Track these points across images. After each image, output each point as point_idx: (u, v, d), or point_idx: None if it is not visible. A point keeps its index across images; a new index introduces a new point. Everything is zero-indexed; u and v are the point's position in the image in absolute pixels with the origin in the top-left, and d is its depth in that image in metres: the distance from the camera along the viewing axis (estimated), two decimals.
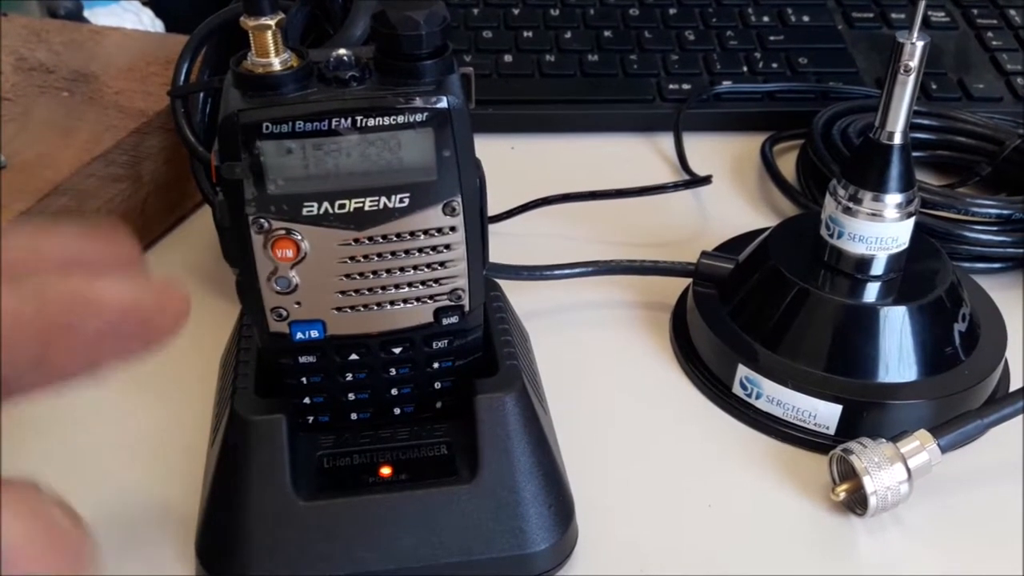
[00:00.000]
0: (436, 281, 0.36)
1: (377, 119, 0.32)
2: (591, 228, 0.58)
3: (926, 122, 0.61)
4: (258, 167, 0.32)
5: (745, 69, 0.69)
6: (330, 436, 0.39)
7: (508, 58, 0.69)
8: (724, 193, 0.61)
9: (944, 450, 0.40)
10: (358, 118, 0.31)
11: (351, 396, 0.39)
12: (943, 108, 0.63)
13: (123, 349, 0.23)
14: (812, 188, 0.59)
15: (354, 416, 0.39)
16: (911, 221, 0.44)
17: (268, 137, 0.31)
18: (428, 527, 0.36)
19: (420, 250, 0.35)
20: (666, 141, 0.66)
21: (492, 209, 0.57)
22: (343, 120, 0.31)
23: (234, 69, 0.32)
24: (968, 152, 0.61)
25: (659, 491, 0.42)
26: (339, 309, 0.36)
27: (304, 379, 0.38)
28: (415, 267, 0.35)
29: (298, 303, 0.35)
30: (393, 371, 0.38)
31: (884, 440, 0.41)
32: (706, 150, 0.65)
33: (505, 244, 0.56)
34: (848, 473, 0.41)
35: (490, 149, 0.64)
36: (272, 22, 0.31)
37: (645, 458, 0.43)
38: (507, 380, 0.39)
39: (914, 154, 0.61)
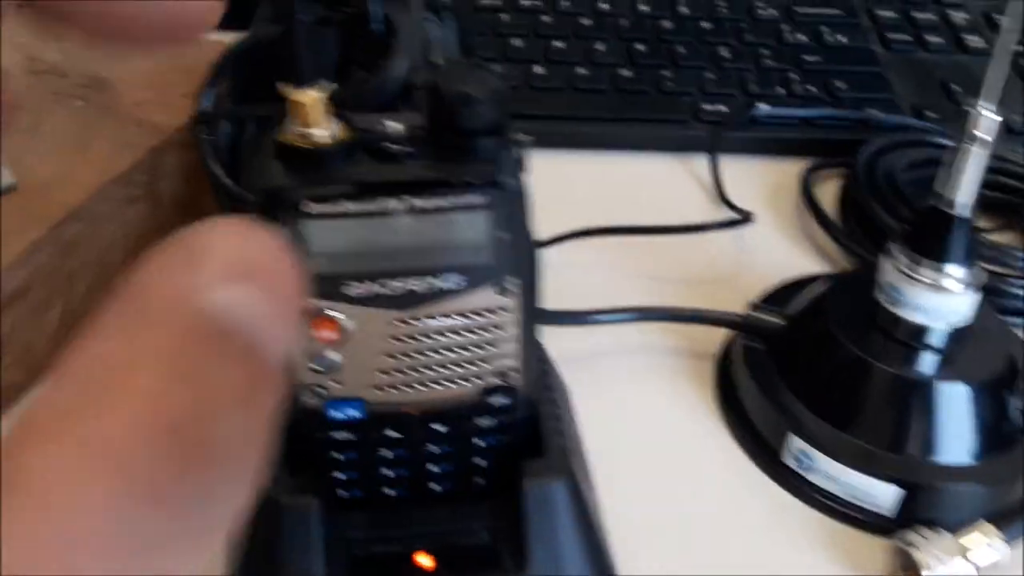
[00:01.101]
0: (485, 360, 0.33)
1: (431, 201, 0.29)
2: (625, 260, 0.55)
3: None
4: (301, 248, 0.29)
5: (782, 91, 0.66)
6: (363, 515, 0.36)
7: (539, 70, 0.66)
8: (762, 226, 0.59)
9: (1010, 544, 0.39)
10: (410, 199, 0.29)
11: (387, 472, 0.36)
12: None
13: None
14: (856, 227, 0.57)
15: (390, 492, 0.37)
16: (976, 296, 0.42)
17: (313, 217, 0.28)
18: None
19: (470, 330, 0.32)
20: (700, 163, 0.63)
21: None
22: (394, 201, 0.29)
23: (274, 138, 0.29)
24: (1014, 193, 0.59)
25: (707, 569, 0.40)
26: (381, 388, 0.33)
27: (338, 454, 0.35)
28: (464, 347, 0.33)
29: (337, 381, 0.32)
30: (434, 448, 0.36)
31: (946, 532, 0.39)
32: (742, 176, 0.62)
33: None
34: (908, 565, 0.39)
35: None
36: (315, 94, 0.28)
37: (691, 531, 0.41)
38: (556, 463, 0.36)
39: None
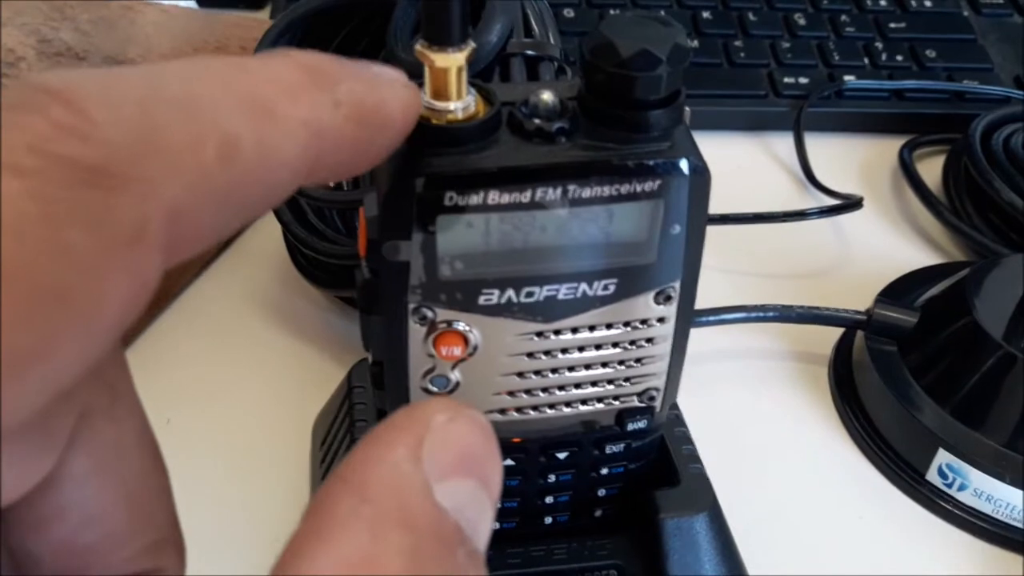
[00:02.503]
0: (628, 380, 0.28)
1: (596, 189, 0.23)
2: (712, 252, 0.49)
3: None
4: (431, 248, 0.23)
5: (867, 61, 0.60)
6: None
7: None
8: (861, 210, 0.53)
9: None
10: (571, 187, 0.23)
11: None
12: None
13: None
14: (966, 206, 0.51)
15: (496, 526, 0.31)
16: None
17: (451, 211, 0.23)
18: None
19: (617, 344, 0.27)
20: (782, 142, 0.57)
21: None
22: (551, 190, 0.23)
23: None
24: None
25: None
26: (503, 411, 0.27)
27: None
28: (606, 364, 0.27)
29: None
30: (552, 477, 0.30)
31: None
32: (830, 155, 0.57)
33: None
34: None
35: None
36: (462, 56, 0.22)
37: (825, 561, 0.36)
38: (695, 493, 0.31)
39: None
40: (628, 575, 0.31)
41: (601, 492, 0.31)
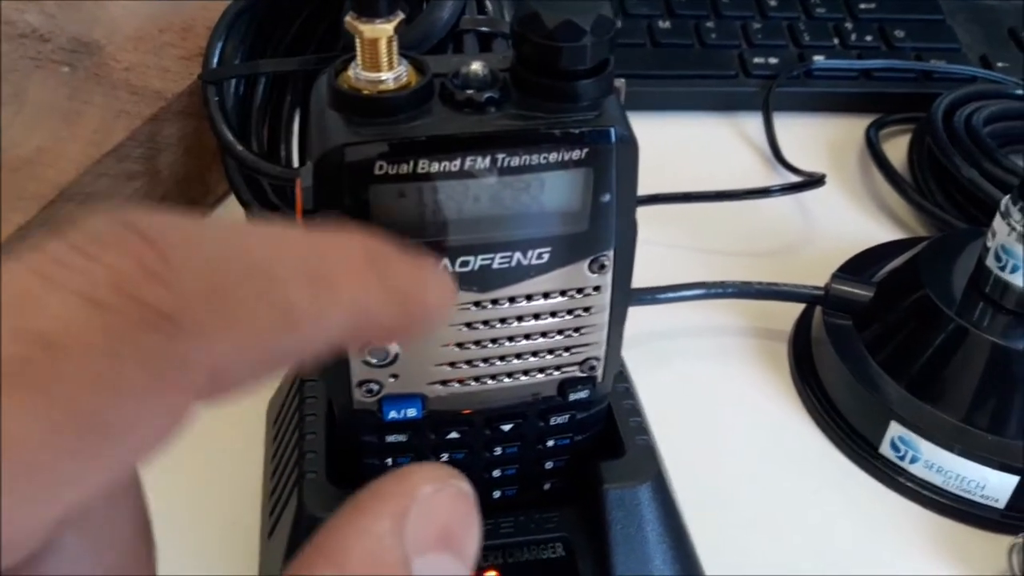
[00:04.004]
0: (567, 350, 0.28)
1: (524, 158, 0.23)
2: (677, 230, 0.50)
3: None
4: (363, 215, 0.24)
5: (836, 42, 0.60)
6: None
7: None
8: (826, 188, 0.53)
9: None
10: (500, 156, 0.23)
11: None
12: None
13: None
14: (930, 183, 0.51)
15: None
16: None
17: (382, 180, 0.23)
18: None
19: (554, 314, 0.27)
20: (751, 122, 0.57)
21: None
22: (481, 159, 0.23)
23: (332, 84, 0.23)
24: None
25: (797, 571, 0.35)
26: (445, 383, 0.28)
27: (390, 460, 0.30)
28: (545, 333, 0.27)
29: (394, 376, 0.27)
30: (498, 450, 0.31)
31: None
32: (798, 135, 0.57)
33: None
34: None
35: None
36: (390, 27, 0.22)
37: (778, 530, 0.36)
38: (640, 464, 0.31)
39: None
40: (574, 547, 0.31)
41: (548, 465, 0.32)
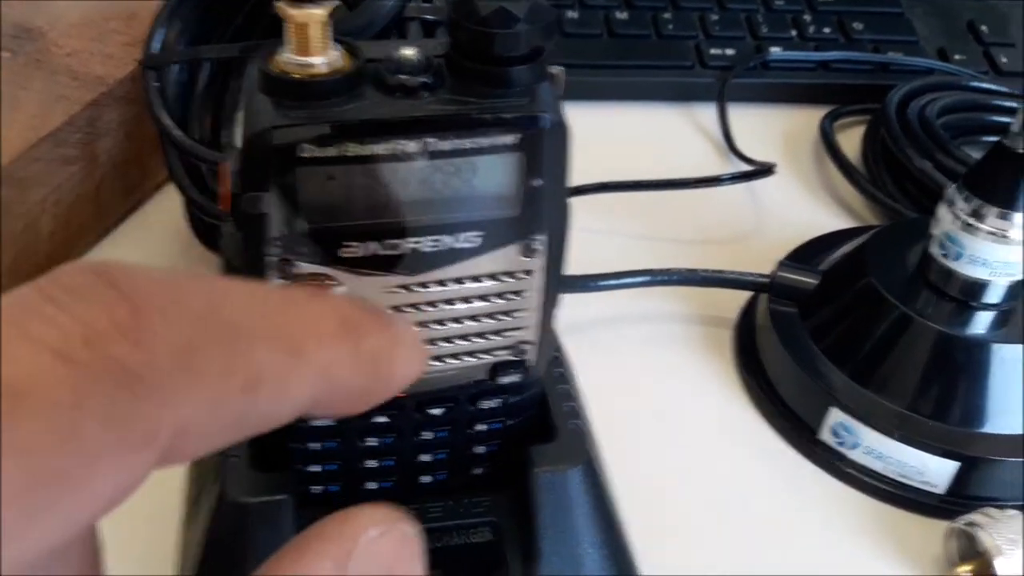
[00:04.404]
0: (499, 333, 0.28)
1: (455, 142, 0.23)
2: (628, 220, 0.50)
3: (1005, 104, 0.54)
4: (291, 199, 0.23)
5: (794, 33, 0.60)
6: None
7: None
8: (779, 179, 0.53)
9: None
10: (430, 140, 0.23)
11: (371, 464, 0.31)
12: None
13: None
14: (883, 174, 0.51)
15: (373, 486, 0.31)
16: None
17: (309, 163, 0.23)
18: None
19: (484, 298, 0.27)
20: (707, 113, 0.57)
21: None
22: (410, 142, 0.23)
23: (263, 68, 0.23)
24: None
25: (736, 562, 0.35)
26: None
27: (317, 444, 0.30)
28: (475, 317, 0.27)
29: None
30: (428, 435, 0.30)
31: (1015, 511, 0.34)
32: (754, 126, 0.57)
33: None
34: (971, 551, 0.34)
35: None
36: (321, 12, 0.22)
37: (717, 519, 0.36)
38: (570, 448, 0.31)
39: (990, 139, 0.54)
40: (503, 531, 0.31)
41: (480, 449, 0.31)
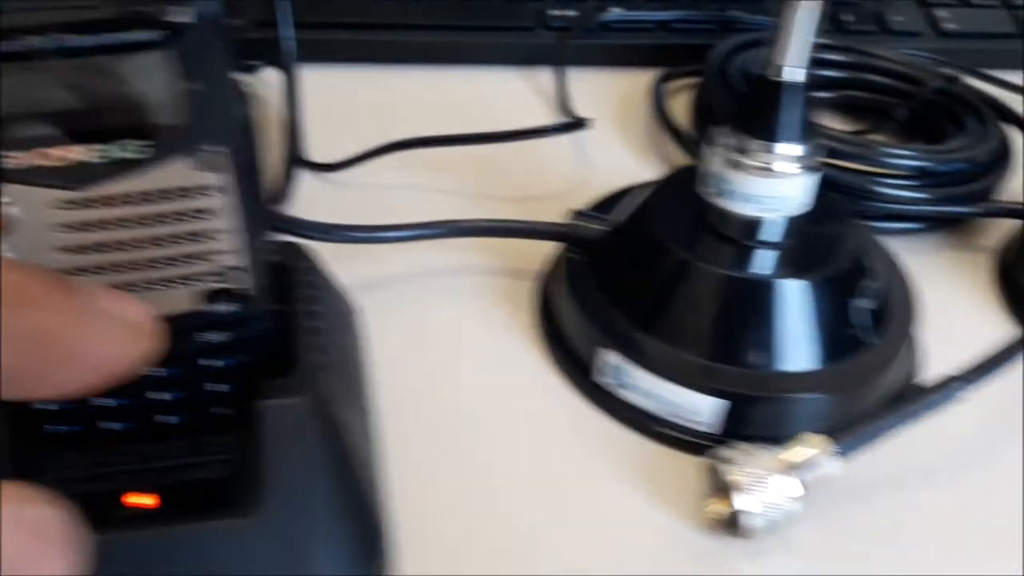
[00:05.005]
0: (198, 258, 0.28)
1: (88, 38, 0.23)
2: (452, 178, 0.50)
3: (835, 58, 0.54)
4: None
5: None
6: (77, 454, 0.31)
7: None
8: (610, 139, 0.54)
9: (844, 457, 0.34)
10: (60, 38, 0.23)
11: (104, 403, 0.30)
12: (855, 42, 0.56)
13: None
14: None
15: (112, 426, 0.31)
16: (813, 178, 0.37)
17: None
18: (195, 573, 0.28)
19: (168, 218, 0.26)
20: (548, 77, 0.57)
21: (335, 155, 0.49)
22: (38, 40, 0.23)
23: None
24: (883, 93, 0.54)
25: (501, 502, 0.35)
26: None
27: None
28: (166, 240, 0.27)
29: None
30: (156, 371, 0.30)
31: (771, 446, 0.34)
32: (592, 88, 0.57)
33: (347, 198, 0.48)
34: (725, 486, 0.34)
35: (339, 82, 0.56)
36: None
37: (488, 461, 0.36)
38: (302, 381, 0.30)
39: (821, 95, 0.55)
40: (237, 470, 0.30)
41: (215, 388, 0.31)
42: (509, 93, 0.57)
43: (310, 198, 0.47)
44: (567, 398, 0.39)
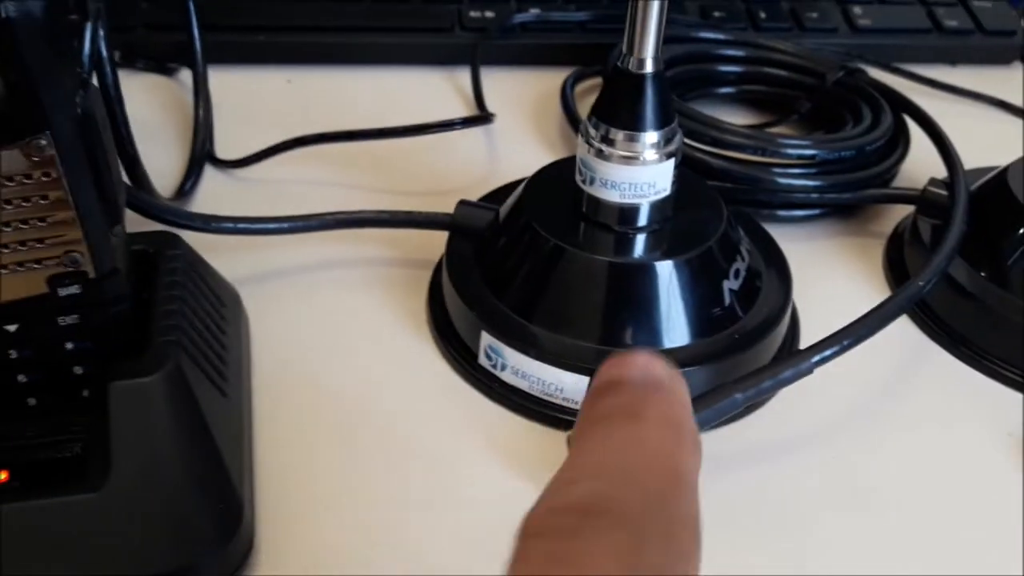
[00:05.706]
0: (38, 242, 0.29)
1: None
2: (359, 175, 0.51)
3: (734, 52, 0.55)
4: None
5: None
6: None
7: None
8: (523, 136, 0.55)
9: (702, 428, 0.34)
10: None
11: None
12: (751, 37, 0.57)
13: None
14: None
15: None
16: (671, 163, 0.38)
17: None
18: (43, 548, 0.29)
19: (9, 203, 0.28)
20: (466, 77, 0.59)
21: (243, 151, 0.50)
22: None
23: None
24: (784, 86, 0.55)
25: (375, 482, 0.36)
26: None
27: None
28: (6, 223, 0.28)
29: None
30: (14, 353, 0.31)
31: None
32: (508, 87, 0.58)
33: (248, 193, 0.49)
34: None
35: (262, 83, 0.57)
36: None
37: (365, 442, 0.37)
38: (153, 361, 0.31)
39: (723, 90, 0.56)
40: (92, 447, 0.31)
41: (77, 370, 0.32)
42: (427, 93, 0.58)
43: (216, 193, 0.49)
44: (452, 381, 0.40)
